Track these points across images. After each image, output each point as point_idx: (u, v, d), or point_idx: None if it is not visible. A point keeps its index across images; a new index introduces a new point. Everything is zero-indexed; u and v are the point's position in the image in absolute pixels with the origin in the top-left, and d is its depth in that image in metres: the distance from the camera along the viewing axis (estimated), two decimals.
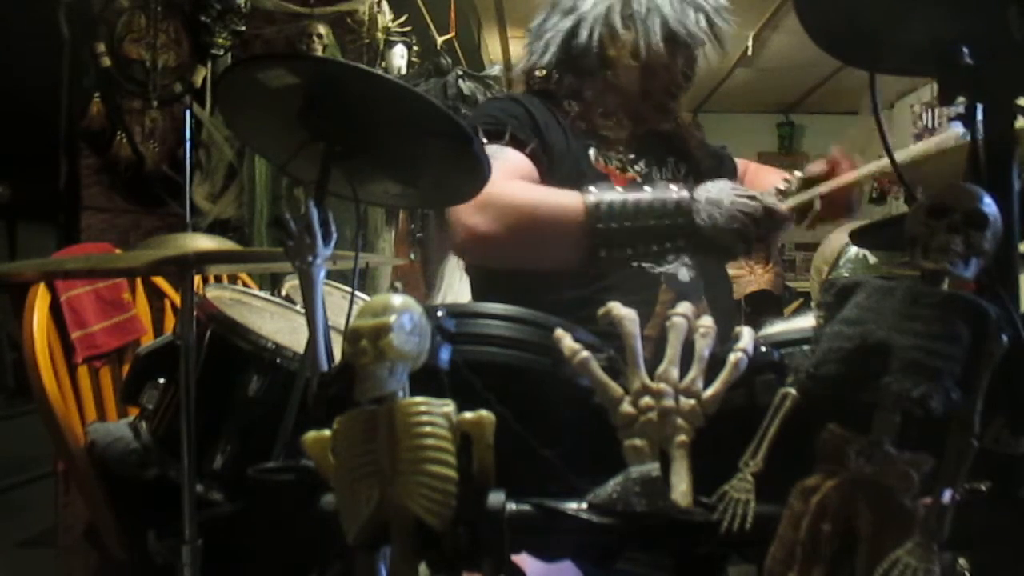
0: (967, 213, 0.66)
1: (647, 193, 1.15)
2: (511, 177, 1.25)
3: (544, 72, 1.42)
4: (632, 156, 1.40)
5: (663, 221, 1.13)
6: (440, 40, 3.72)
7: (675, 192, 1.14)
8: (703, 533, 0.66)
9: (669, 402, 0.71)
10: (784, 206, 1.17)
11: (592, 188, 1.16)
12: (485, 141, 1.28)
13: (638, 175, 1.38)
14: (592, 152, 1.37)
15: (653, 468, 0.68)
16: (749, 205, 1.13)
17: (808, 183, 1.25)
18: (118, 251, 1.83)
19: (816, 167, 1.29)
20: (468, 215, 1.21)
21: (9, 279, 1.70)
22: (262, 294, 1.61)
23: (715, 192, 1.14)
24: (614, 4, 1.37)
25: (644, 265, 1.30)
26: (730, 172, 1.57)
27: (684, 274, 1.33)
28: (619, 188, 1.16)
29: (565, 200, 1.18)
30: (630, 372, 0.73)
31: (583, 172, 1.33)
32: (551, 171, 1.32)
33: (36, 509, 2.55)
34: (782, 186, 1.23)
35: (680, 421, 0.71)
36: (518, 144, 1.29)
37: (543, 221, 1.20)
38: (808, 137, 7.60)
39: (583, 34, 1.38)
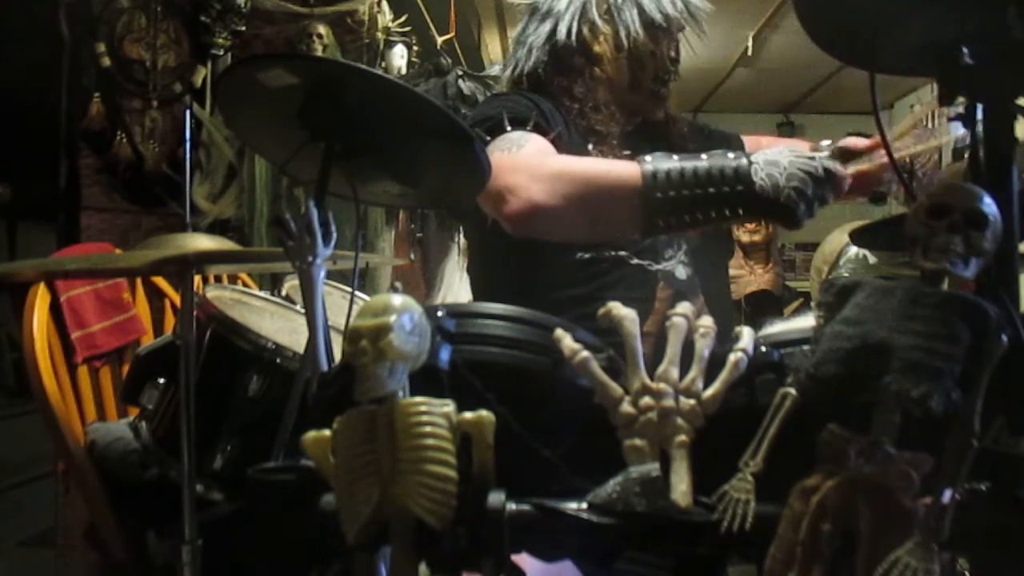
0: (967, 213, 0.66)
1: (704, 160, 1.11)
2: (549, 152, 1.23)
3: (531, 76, 1.42)
4: (627, 153, 1.40)
5: (722, 188, 1.08)
6: (440, 40, 3.72)
7: (732, 157, 1.10)
8: (703, 533, 0.66)
9: (669, 402, 0.71)
10: (843, 168, 1.12)
11: (648, 157, 1.13)
12: (510, 128, 1.27)
13: None
14: (590, 148, 1.37)
15: (653, 468, 0.68)
16: (809, 164, 1.09)
17: (843, 155, 1.23)
18: (118, 251, 1.83)
19: (855, 141, 1.27)
20: (521, 186, 1.16)
21: (9, 279, 1.70)
22: (262, 294, 1.61)
23: (772, 154, 1.10)
24: (589, 0, 1.37)
25: (642, 263, 1.30)
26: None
27: (681, 272, 1.33)
28: (675, 156, 1.13)
29: (621, 168, 1.15)
30: (630, 372, 0.73)
31: None
32: None
33: (36, 509, 2.55)
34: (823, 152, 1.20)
35: (680, 421, 0.71)
36: (541, 131, 1.28)
37: (600, 190, 1.15)
38: (808, 137, 7.57)
39: (563, 33, 1.38)
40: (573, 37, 1.38)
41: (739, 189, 1.08)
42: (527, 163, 1.17)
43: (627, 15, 1.36)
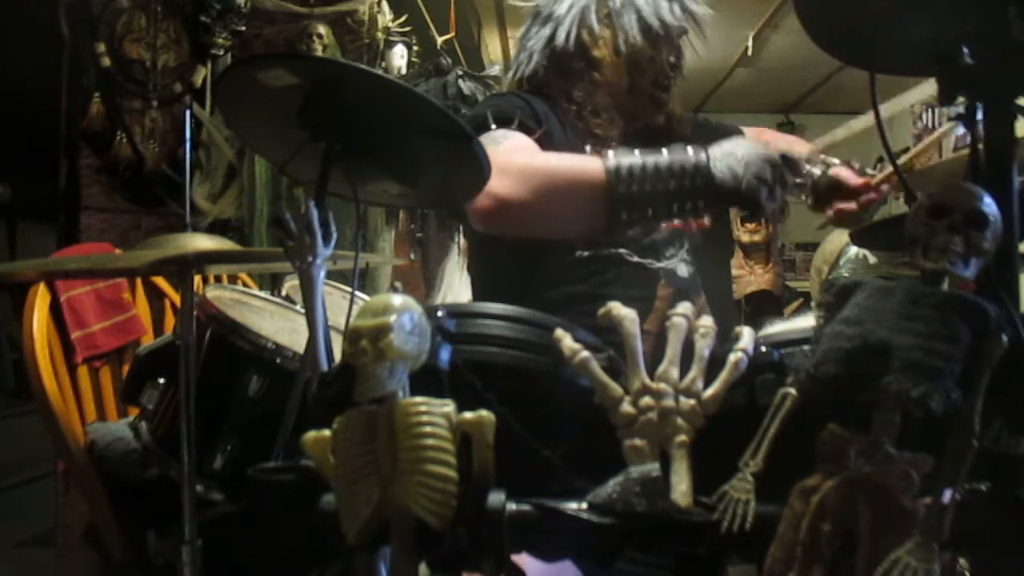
0: (967, 213, 0.66)
1: (664, 155, 1.13)
2: (525, 149, 1.25)
3: (531, 79, 1.43)
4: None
5: (683, 181, 1.11)
6: (440, 40, 3.72)
7: (691, 152, 1.12)
8: (703, 533, 0.66)
9: (669, 402, 0.71)
10: (801, 152, 1.15)
11: (610, 152, 1.15)
12: (494, 126, 1.28)
13: None
14: (588, 150, 1.37)
15: (653, 468, 0.68)
16: (764, 152, 1.11)
17: (832, 185, 1.26)
18: (118, 251, 1.83)
19: (846, 176, 1.30)
20: (487, 183, 1.16)
21: (9, 279, 1.70)
22: (262, 294, 1.61)
23: (729, 146, 1.13)
24: (589, 4, 1.38)
25: (643, 260, 1.30)
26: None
27: (683, 270, 1.33)
28: (637, 152, 1.15)
29: (585, 164, 1.17)
30: (630, 372, 0.73)
31: None
32: None
33: (36, 509, 2.55)
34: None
35: (680, 421, 0.71)
36: (526, 130, 1.29)
37: (563, 184, 1.17)
38: (808, 137, 7.56)
39: (562, 37, 1.39)
40: (572, 41, 1.38)
41: (698, 181, 1.11)
42: (495, 160, 1.19)
43: (626, 20, 1.36)
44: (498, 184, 1.14)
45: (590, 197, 1.14)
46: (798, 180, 1.15)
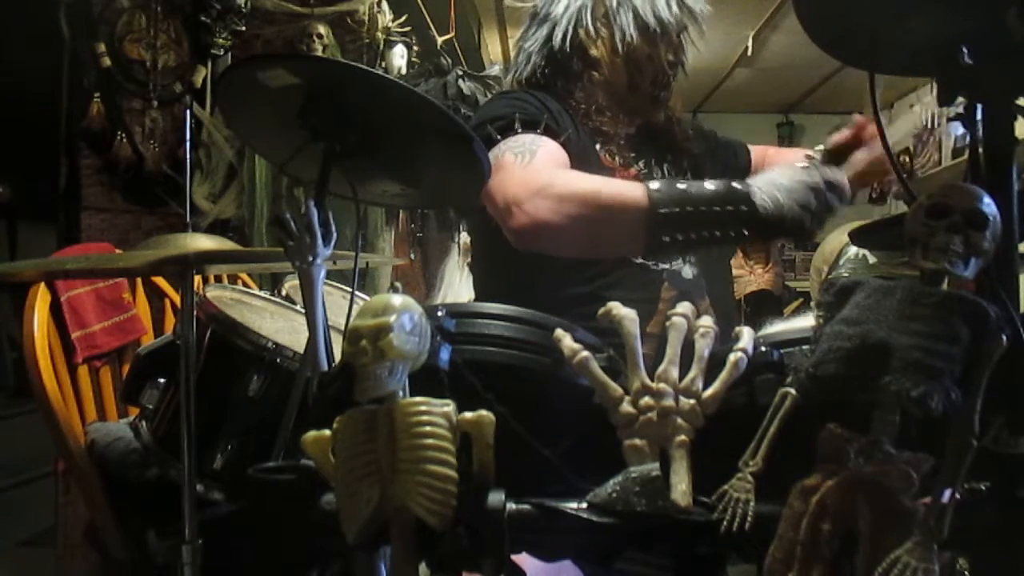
0: (967, 213, 0.66)
1: (706, 184, 1.12)
2: (560, 166, 1.24)
3: (529, 80, 1.43)
4: (632, 154, 1.40)
5: (726, 207, 1.09)
6: (440, 40, 3.72)
7: (736, 183, 1.11)
8: (703, 533, 0.66)
9: (669, 402, 0.71)
10: (843, 177, 1.14)
11: (655, 183, 1.13)
12: (520, 129, 1.27)
13: (640, 171, 1.39)
14: (598, 147, 1.37)
15: (653, 468, 0.68)
16: (808, 177, 1.09)
17: (833, 154, 1.25)
18: (118, 251, 1.83)
19: (838, 136, 1.29)
20: (528, 202, 1.17)
21: (9, 279, 1.70)
22: (262, 294, 1.61)
23: (772, 175, 1.11)
24: (586, 4, 1.38)
25: (646, 262, 1.30)
26: (743, 160, 1.57)
27: (687, 272, 1.33)
28: (680, 183, 1.13)
29: (627, 190, 1.15)
30: (630, 372, 0.73)
31: (592, 165, 1.33)
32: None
33: (36, 509, 2.55)
34: (804, 163, 1.21)
35: (680, 421, 0.71)
36: (552, 134, 1.28)
37: (606, 211, 1.15)
38: (808, 137, 7.58)
39: (560, 37, 1.39)
40: (569, 41, 1.38)
41: (743, 210, 1.09)
42: (537, 178, 1.18)
43: (623, 19, 1.35)
44: (541, 206, 1.14)
45: (631, 224, 1.12)
46: (844, 204, 1.14)
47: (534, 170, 1.20)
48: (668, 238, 1.10)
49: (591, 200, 1.16)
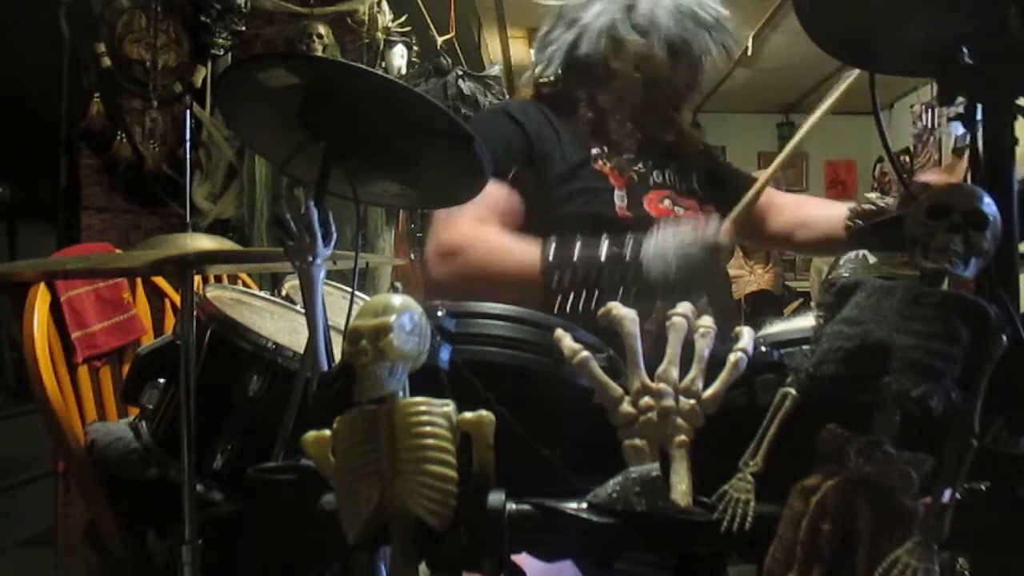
0: (967, 213, 0.66)
1: (602, 248, 1.20)
2: (482, 221, 1.30)
3: (550, 80, 1.44)
4: (632, 157, 1.41)
5: (615, 274, 1.18)
6: (440, 40, 3.72)
7: (629, 246, 1.19)
8: (703, 533, 0.66)
9: (669, 402, 0.71)
10: (725, 230, 1.20)
11: (552, 247, 1.22)
12: None
13: (635, 174, 1.39)
14: (595, 152, 1.38)
15: (653, 468, 0.68)
16: (691, 251, 1.16)
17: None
18: (118, 251, 1.82)
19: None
20: (433, 260, 1.32)
21: (9, 279, 1.70)
22: (262, 294, 1.61)
23: (663, 237, 1.18)
24: (617, 16, 1.39)
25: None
26: (736, 189, 1.57)
27: None
28: (576, 247, 1.21)
29: (525, 260, 1.24)
30: (630, 372, 0.73)
31: (578, 174, 1.35)
32: (543, 177, 1.34)
33: (36, 509, 2.55)
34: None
35: (680, 421, 0.71)
36: (505, 175, 1.32)
37: (501, 276, 1.26)
38: (808, 137, 7.59)
39: (586, 45, 1.40)
40: (595, 50, 1.39)
41: (630, 275, 1.17)
42: (448, 232, 1.31)
43: (652, 38, 1.37)
44: (440, 268, 1.30)
45: (525, 289, 1.21)
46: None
47: (457, 227, 1.30)
48: (560, 303, 1.19)
49: (488, 268, 1.28)
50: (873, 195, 1.35)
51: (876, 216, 1.23)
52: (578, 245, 1.21)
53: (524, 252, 1.25)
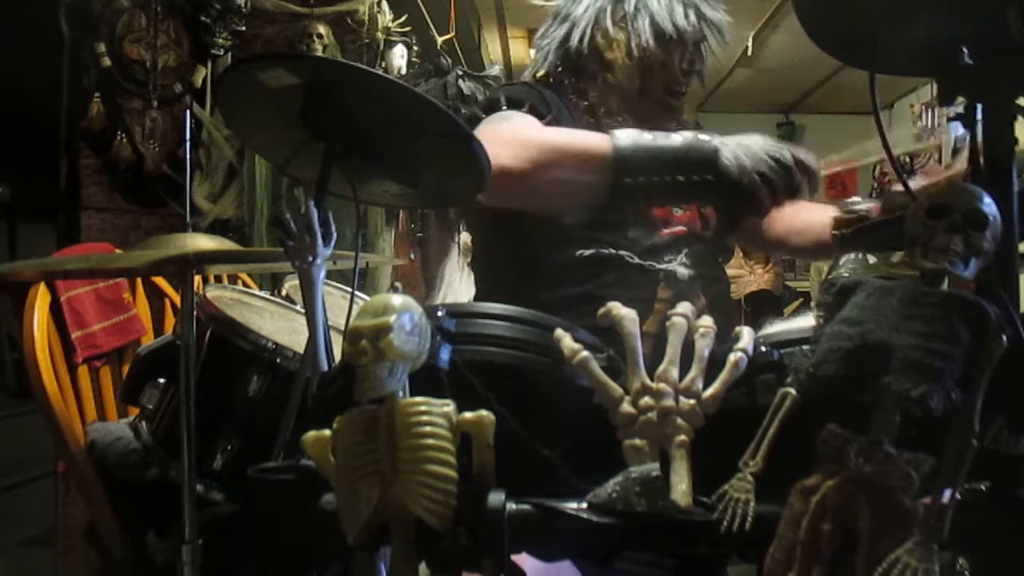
0: (967, 213, 0.66)
1: (675, 136, 1.14)
2: (533, 124, 1.27)
3: (546, 76, 1.44)
4: None
5: (687, 164, 1.12)
6: (440, 40, 3.72)
7: (706, 139, 1.13)
8: (703, 533, 0.66)
9: (669, 402, 0.71)
10: (816, 162, 1.15)
11: (619, 131, 1.16)
12: (505, 108, 1.31)
13: None
14: None
15: (653, 468, 0.68)
16: (779, 151, 1.11)
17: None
18: (118, 251, 1.82)
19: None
20: (490, 152, 1.13)
21: (9, 279, 1.70)
22: (262, 294, 1.61)
23: (745, 138, 1.13)
24: (605, 6, 1.39)
25: (643, 263, 1.30)
26: None
27: (682, 272, 1.34)
28: (647, 133, 1.15)
29: (592, 139, 1.17)
30: (630, 372, 0.73)
31: None
32: None
33: (36, 509, 2.55)
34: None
35: (680, 421, 0.71)
36: (537, 115, 1.31)
37: (569, 157, 1.17)
38: (808, 137, 7.59)
39: (577, 38, 1.40)
40: (586, 43, 1.40)
41: (704, 166, 1.11)
42: (502, 134, 1.20)
43: (639, 24, 1.36)
44: (502, 153, 1.12)
45: (595, 171, 1.13)
46: (807, 188, 1.14)
47: (501, 129, 1.23)
48: (631, 180, 1.12)
49: (554, 146, 1.18)
50: (856, 198, 1.35)
51: (858, 223, 1.22)
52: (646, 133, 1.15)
53: (589, 133, 1.21)
